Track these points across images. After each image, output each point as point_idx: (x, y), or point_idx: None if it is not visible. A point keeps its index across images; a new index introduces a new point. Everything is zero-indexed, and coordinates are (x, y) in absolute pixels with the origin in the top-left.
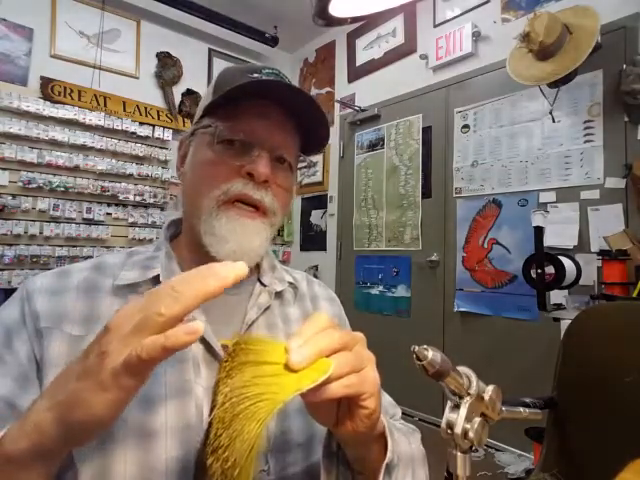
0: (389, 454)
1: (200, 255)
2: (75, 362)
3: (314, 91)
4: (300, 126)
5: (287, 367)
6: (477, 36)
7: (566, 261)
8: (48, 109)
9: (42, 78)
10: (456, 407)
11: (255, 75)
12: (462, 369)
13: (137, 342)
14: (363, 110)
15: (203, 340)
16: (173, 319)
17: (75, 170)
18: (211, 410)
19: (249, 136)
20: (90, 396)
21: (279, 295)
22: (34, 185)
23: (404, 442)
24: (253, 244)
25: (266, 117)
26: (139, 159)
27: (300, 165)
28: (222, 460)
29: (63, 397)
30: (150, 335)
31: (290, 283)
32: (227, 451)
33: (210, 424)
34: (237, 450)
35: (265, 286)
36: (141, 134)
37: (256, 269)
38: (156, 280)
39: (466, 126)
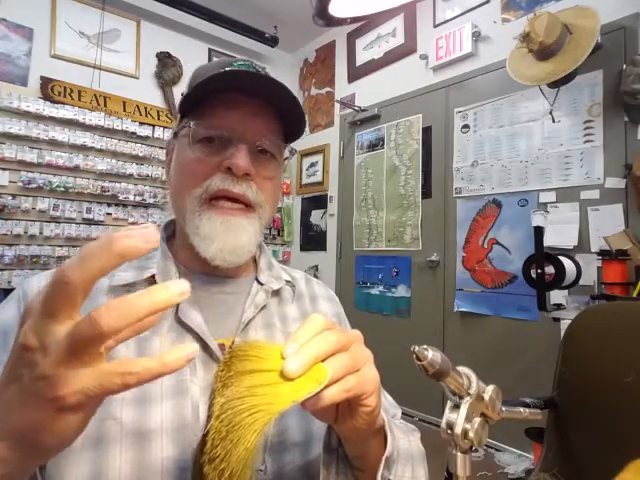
0: (389, 447)
1: (193, 254)
2: (5, 383)
3: (314, 91)
4: (281, 114)
5: (282, 375)
6: (477, 36)
7: (566, 261)
8: (48, 109)
9: (42, 78)
10: (456, 407)
11: (226, 69)
12: (462, 369)
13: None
14: (363, 110)
15: (200, 339)
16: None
17: (75, 170)
18: (207, 420)
19: (225, 130)
20: (48, 423)
21: (276, 294)
22: (34, 185)
23: (403, 439)
24: (240, 241)
25: (239, 109)
26: (139, 159)
27: (286, 155)
28: (219, 470)
29: (13, 426)
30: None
31: (287, 281)
32: (224, 462)
33: (206, 434)
34: (233, 461)
35: (262, 285)
36: (141, 134)
37: (254, 268)
38: (152, 280)
39: (466, 126)
